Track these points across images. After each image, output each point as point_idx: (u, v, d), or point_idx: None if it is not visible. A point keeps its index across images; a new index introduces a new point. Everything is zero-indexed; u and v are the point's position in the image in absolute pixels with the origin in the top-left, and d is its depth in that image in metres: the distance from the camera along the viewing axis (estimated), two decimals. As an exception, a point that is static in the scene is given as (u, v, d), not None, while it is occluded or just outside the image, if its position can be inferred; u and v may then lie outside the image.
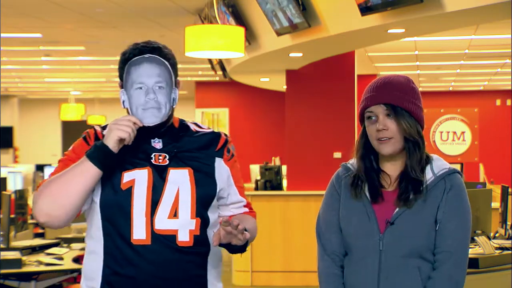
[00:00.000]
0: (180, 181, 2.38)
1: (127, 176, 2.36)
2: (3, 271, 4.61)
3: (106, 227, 2.36)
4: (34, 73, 16.44)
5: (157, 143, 2.42)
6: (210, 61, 10.62)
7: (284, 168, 9.60)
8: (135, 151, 2.39)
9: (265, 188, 9.07)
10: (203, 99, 16.64)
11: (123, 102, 2.41)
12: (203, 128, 2.53)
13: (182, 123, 2.52)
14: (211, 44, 6.69)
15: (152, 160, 2.39)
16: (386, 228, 2.41)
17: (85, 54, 12.98)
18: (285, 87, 9.86)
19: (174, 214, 2.35)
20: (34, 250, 5.27)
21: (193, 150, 2.44)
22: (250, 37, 8.11)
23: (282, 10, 6.83)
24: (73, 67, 14.83)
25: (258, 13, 7.43)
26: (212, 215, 2.44)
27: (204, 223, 2.40)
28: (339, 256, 2.50)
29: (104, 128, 2.47)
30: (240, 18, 7.91)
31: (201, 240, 2.38)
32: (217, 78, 15.24)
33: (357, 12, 5.86)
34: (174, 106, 2.43)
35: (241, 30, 6.95)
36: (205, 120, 16.72)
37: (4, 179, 8.99)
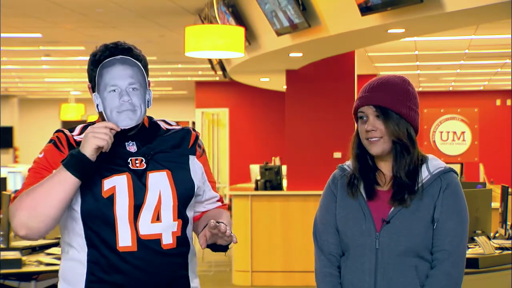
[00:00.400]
0: (160, 184, 2.35)
1: (107, 184, 2.32)
2: (3, 271, 4.61)
3: (89, 236, 2.33)
4: (34, 73, 16.44)
5: (132, 146, 2.39)
6: (210, 61, 10.62)
7: (284, 168, 9.60)
8: (112, 157, 2.35)
9: (265, 188, 9.07)
10: (203, 99, 16.64)
11: (97, 105, 2.36)
12: (172, 125, 2.51)
13: (152, 121, 2.49)
14: (211, 44, 6.69)
15: (130, 165, 2.36)
16: (382, 227, 2.43)
17: (85, 54, 12.97)
18: (285, 87, 9.86)
19: (157, 218, 2.34)
20: (34, 250, 5.26)
21: (167, 150, 2.42)
22: (250, 37, 8.11)
23: (282, 10, 6.83)
24: (73, 67, 14.82)
25: (258, 13, 7.43)
26: (189, 213, 2.44)
27: (185, 223, 2.40)
28: (335, 256, 2.52)
29: (72, 130, 2.43)
30: (240, 18, 7.91)
31: (182, 241, 2.39)
32: (217, 78, 15.23)
33: (357, 12, 5.86)
34: (149, 107, 2.39)
35: (241, 30, 6.95)
36: (205, 120, 16.72)
37: (4, 179, 8.98)
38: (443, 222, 2.41)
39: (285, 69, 9.57)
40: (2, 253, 4.82)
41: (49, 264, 4.76)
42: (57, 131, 2.44)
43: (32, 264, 4.75)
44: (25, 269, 4.67)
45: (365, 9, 5.76)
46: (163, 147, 2.42)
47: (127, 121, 2.33)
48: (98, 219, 2.32)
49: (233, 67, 9.76)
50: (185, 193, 2.39)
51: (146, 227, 2.32)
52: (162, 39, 10.90)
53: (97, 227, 2.32)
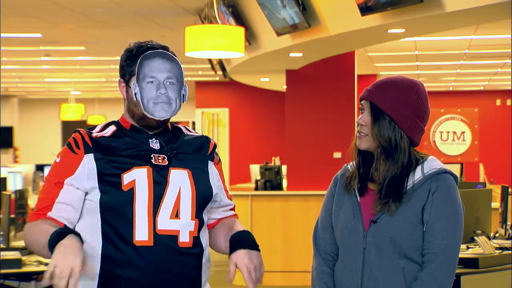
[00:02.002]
0: (181, 181, 2.39)
1: (127, 177, 2.35)
2: (3, 271, 4.61)
3: (105, 229, 2.35)
4: (34, 73, 16.44)
5: (155, 143, 2.43)
6: (210, 61, 10.62)
7: (284, 168, 9.60)
8: (134, 151, 2.39)
9: (265, 188, 9.07)
10: (203, 99, 16.64)
11: (135, 94, 2.41)
12: (191, 132, 2.56)
13: (174, 125, 2.54)
14: (211, 44, 6.69)
15: (152, 160, 2.39)
16: (369, 227, 2.41)
17: (85, 54, 12.98)
18: (285, 87, 9.86)
19: (176, 214, 2.36)
20: (34, 250, 5.25)
21: (189, 152, 2.46)
22: (250, 37, 8.11)
23: (282, 10, 6.83)
24: (73, 67, 14.83)
25: (258, 13, 7.43)
26: (205, 217, 2.47)
27: (200, 224, 2.42)
28: (331, 255, 2.52)
29: (91, 129, 2.45)
30: (240, 18, 7.91)
31: (198, 242, 2.40)
32: (217, 78, 15.24)
33: (357, 12, 5.86)
34: (184, 102, 2.46)
35: (241, 30, 6.95)
36: (205, 120, 16.72)
37: (4, 179, 8.97)
38: (431, 224, 2.37)
39: (285, 69, 9.57)
40: (2, 253, 4.82)
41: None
42: (74, 131, 2.47)
43: (32, 264, 4.75)
44: (25, 269, 4.66)
45: (365, 9, 5.76)
46: (186, 149, 2.46)
47: (162, 113, 2.39)
48: (116, 212, 2.34)
49: (233, 67, 9.76)
50: (204, 194, 2.43)
51: (165, 223, 2.34)
52: (162, 39, 10.86)
53: (114, 220, 2.34)
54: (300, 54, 8.36)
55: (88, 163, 2.37)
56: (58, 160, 2.43)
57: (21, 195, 6.07)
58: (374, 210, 2.40)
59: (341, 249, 2.48)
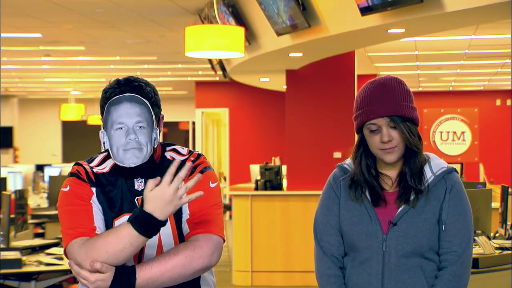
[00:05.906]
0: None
1: (117, 224, 2.33)
2: (3, 271, 4.61)
3: None
4: (34, 73, 16.44)
5: (140, 184, 2.37)
6: (210, 61, 10.62)
7: (284, 168, 9.60)
8: (121, 195, 2.37)
9: (265, 188, 9.06)
10: (203, 99, 16.64)
11: (104, 143, 2.35)
12: (182, 154, 2.44)
13: (163, 154, 2.44)
14: (211, 44, 6.69)
15: (137, 204, 2.36)
16: (389, 229, 2.42)
17: (85, 54, 12.97)
18: (285, 87, 9.86)
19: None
20: (34, 250, 5.26)
21: None
22: (250, 37, 8.11)
23: (282, 10, 6.83)
24: (73, 67, 14.82)
25: (258, 13, 7.43)
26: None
27: None
28: (338, 258, 2.50)
29: (91, 161, 2.43)
30: (240, 18, 7.91)
31: None
32: (217, 78, 15.23)
33: (357, 12, 5.86)
34: (155, 146, 2.37)
35: (241, 30, 6.96)
36: (205, 120, 16.72)
37: (4, 179, 8.98)
38: (451, 223, 2.42)
39: (285, 69, 9.57)
40: (2, 253, 4.82)
41: (49, 264, 4.76)
42: (76, 164, 2.43)
43: (32, 264, 4.75)
44: (25, 269, 4.67)
45: (365, 9, 5.76)
46: None
47: (133, 159, 2.32)
48: None
49: (233, 67, 9.76)
50: (184, 228, 2.38)
51: None
52: (162, 39, 10.90)
53: None
54: (300, 54, 8.36)
55: (97, 197, 2.36)
56: (67, 189, 2.37)
57: (21, 195, 6.08)
58: (399, 205, 2.41)
59: (354, 253, 2.47)
